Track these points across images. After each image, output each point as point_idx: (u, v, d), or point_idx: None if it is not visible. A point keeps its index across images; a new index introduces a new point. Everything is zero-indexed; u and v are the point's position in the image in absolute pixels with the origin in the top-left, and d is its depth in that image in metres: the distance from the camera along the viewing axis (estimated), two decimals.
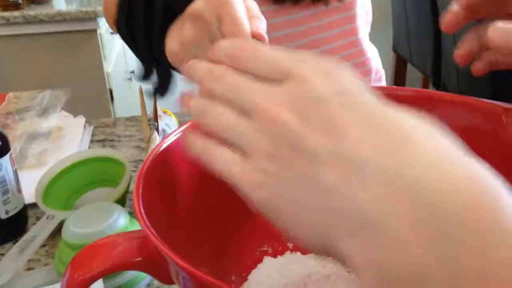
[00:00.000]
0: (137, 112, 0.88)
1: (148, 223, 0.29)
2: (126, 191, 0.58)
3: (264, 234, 0.44)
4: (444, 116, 0.39)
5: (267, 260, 0.44)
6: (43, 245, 0.54)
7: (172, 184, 0.37)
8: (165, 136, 0.40)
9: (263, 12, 0.41)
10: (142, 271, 0.31)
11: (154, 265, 0.31)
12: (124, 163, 0.58)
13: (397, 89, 0.41)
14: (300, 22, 0.72)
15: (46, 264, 0.54)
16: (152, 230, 0.28)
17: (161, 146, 0.36)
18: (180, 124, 0.83)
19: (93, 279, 0.30)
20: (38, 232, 0.52)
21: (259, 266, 0.43)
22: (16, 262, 0.50)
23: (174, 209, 0.36)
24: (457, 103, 0.39)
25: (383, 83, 0.85)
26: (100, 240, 0.32)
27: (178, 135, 0.38)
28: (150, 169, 0.34)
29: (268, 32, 0.40)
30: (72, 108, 0.85)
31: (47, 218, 0.53)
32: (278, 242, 0.45)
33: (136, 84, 1.01)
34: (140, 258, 0.31)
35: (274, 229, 0.44)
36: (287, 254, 0.44)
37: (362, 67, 0.78)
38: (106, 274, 0.31)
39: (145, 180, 0.33)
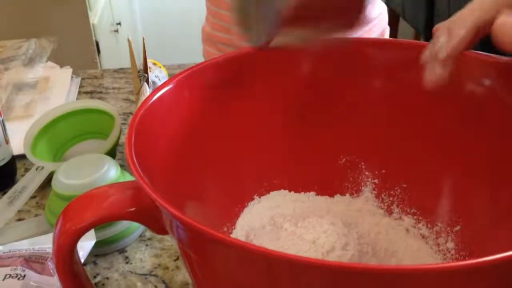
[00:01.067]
0: (124, 65, 0.86)
1: (141, 173, 0.28)
2: (116, 144, 0.57)
3: (256, 182, 0.44)
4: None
5: (254, 202, 0.44)
6: (33, 196, 0.54)
7: (164, 134, 0.37)
8: (156, 88, 0.39)
9: None
10: (135, 221, 0.31)
11: (147, 215, 0.30)
12: (114, 115, 0.58)
13: (388, 42, 0.41)
14: None
15: (36, 215, 0.54)
16: (146, 180, 0.28)
17: (153, 97, 0.36)
18: (170, 76, 0.82)
19: (85, 229, 0.30)
20: (27, 183, 0.51)
21: (246, 209, 0.44)
22: (6, 213, 0.49)
23: (166, 159, 0.36)
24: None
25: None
26: (92, 190, 0.32)
27: (170, 86, 0.37)
28: (142, 120, 0.34)
29: None
30: (58, 59, 0.83)
31: (37, 169, 0.53)
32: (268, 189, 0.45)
33: (123, 36, 0.97)
34: (133, 209, 0.31)
35: (264, 176, 0.44)
36: (273, 193, 0.45)
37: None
38: (98, 224, 0.30)
39: (137, 130, 0.33)
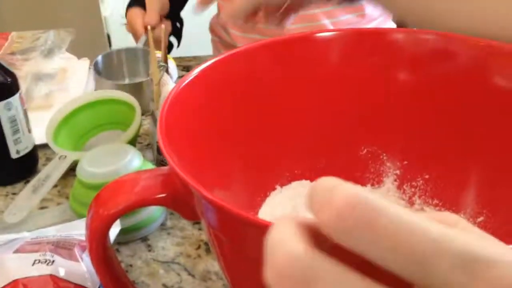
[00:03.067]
0: None
1: (174, 159, 0.29)
2: (137, 134, 0.58)
3: (278, 172, 0.45)
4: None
5: (276, 192, 0.45)
6: (55, 185, 0.54)
7: (192, 123, 0.37)
8: (183, 76, 0.39)
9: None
10: (166, 206, 0.32)
11: (178, 200, 0.31)
12: (134, 106, 0.58)
13: (419, 32, 0.41)
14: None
15: (58, 204, 0.54)
16: (177, 166, 0.28)
17: (182, 84, 0.36)
18: (179, 67, 0.83)
19: (118, 214, 0.31)
20: (50, 171, 0.52)
21: (268, 199, 0.44)
22: (29, 201, 0.50)
23: (194, 148, 0.37)
24: None
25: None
26: (123, 176, 0.32)
27: (197, 74, 0.38)
28: (171, 109, 0.34)
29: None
30: (71, 51, 0.83)
31: (59, 158, 0.53)
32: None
33: None
34: (164, 194, 0.31)
35: (286, 166, 0.45)
36: (294, 183, 0.45)
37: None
38: (131, 209, 0.31)
39: (167, 119, 0.33)
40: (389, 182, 0.45)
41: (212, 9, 0.97)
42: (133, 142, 0.58)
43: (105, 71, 0.73)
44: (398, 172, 0.45)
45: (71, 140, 0.60)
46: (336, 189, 0.15)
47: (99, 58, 0.73)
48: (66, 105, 0.59)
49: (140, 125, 0.58)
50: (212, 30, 0.98)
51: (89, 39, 1.62)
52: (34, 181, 0.51)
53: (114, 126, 0.62)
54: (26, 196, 0.50)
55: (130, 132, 0.55)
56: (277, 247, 0.15)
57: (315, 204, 0.16)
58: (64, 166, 0.52)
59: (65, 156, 0.53)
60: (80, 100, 0.60)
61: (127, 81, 0.76)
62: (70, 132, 0.60)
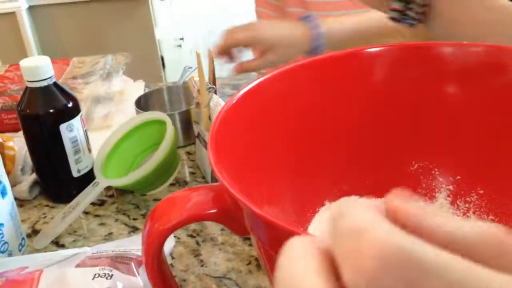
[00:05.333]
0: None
1: (225, 176, 0.30)
2: (173, 149, 0.58)
3: (327, 188, 0.45)
4: None
5: (325, 208, 0.45)
6: (112, 202, 0.57)
7: (241, 141, 0.38)
8: (231, 97, 0.41)
9: None
10: (216, 222, 0.33)
11: (228, 216, 0.32)
12: (165, 120, 0.59)
13: (468, 45, 0.40)
14: None
15: (116, 220, 0.57)
16: (227, 182, 0.29)
17: (230, 103, 0.37)
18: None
19: (172, 229, 0.32)
20: (82, 199, 0.54)
21: (317, 215, 0.44)
22: (57, 228, 0.53)
23: (244, 165, 0.37)
24: None
25: None
26: (175, 193, 0.34)
27: (246, 91, 0.39)
28: (220, 127, 0.35)
29: None
30: (127, 74, 0.87)
31: (93, 185, 0.56)
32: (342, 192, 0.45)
33: (186, 51, 1.02)
34: (215, 210, 0.32)
35: (335, 182, 0.45)
36: (343, 199, 0.45)
37: None
38: (184, 224, 0.32)
39: (217, 138, 0.34)
40: (442, 198, 0.44)
41: None
42: (173, 156, 0.59)
43: (148, 109, 0.74)
44: (451, 187, 0.44)
45: (123, 167, 0.62)
46: (366, 234, 0.12)
47: (141, 96, 0.74)
48: (109, 137, 0.61)
49: (175, 136, 0.59)
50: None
51: (144, 62, 1.69)
52: (66, 207, 0.54)
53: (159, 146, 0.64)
54: (56, 223, 0.52)
55: (163, 147, 0.56)
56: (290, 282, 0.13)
57: (339, 248, 0.13)
58: (95, 193, 0.54)
59: (98, 183, 0.55)
60: (122, 130, 0.62)
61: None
62: (121, 160, 0.62)
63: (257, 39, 0.70)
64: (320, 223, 0.45)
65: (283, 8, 0.84)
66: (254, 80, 0.40)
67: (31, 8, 1.68)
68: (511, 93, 0.39)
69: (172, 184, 0.62)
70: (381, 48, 0.43)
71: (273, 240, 0.29)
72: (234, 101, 0.38)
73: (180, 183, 0.64)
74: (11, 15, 1.64)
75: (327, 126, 0.43)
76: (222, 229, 0.53)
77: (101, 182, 0.55)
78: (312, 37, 0.70)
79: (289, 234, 0.26)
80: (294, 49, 0.71)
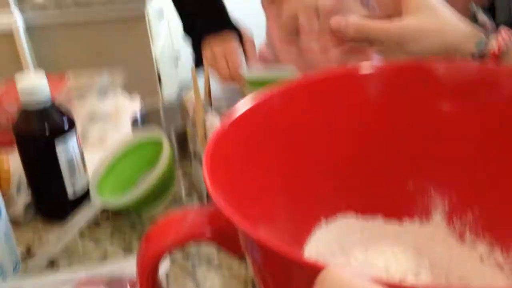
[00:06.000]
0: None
1: (219, 196, 0.30)
2: (171, 167, 0.58)
3: (323, 206, 0.45)
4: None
5: (322, 227, 0.44)
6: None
7: (236, 160, 0.38)
8: (226, 115, 0.41)
9: None
10: (212, 243, 0.32)
11: (224, 237, 0.32)
12: (161, 138, 0.59)
13: (462, 64, 0.41)
14: None
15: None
16: (223, 203, 0.29)
17: (226, 122, 0.37)
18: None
19: (166, 250, 0.32)
20: (78, 220, 0.54)
21: (313, 234, 0.44)
22: (52, 250, 0.52)
23: (239, 184, 0.37)
24: None
25: None
26: (171, 214, 0.34)
27: (242, 110, 0.39)
28: (216, 146, 0.35)
29: None
30: (124, 90, 0.87)
31: (89, 206, 0.55)
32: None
33: (182, 68, 1.03)
34: (210, 231, 0.32)
35: (331, 200, 0.45)
36: (340, 217, 0.45)
37: None
38: (178, 246, 0.32)
39: (212, 157, 0.34)
40: (438, 217, 0.44)
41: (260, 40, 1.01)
42: (171, 175, 0.59)
43: (144, 127, 0.74)
44: (447, 206, 0.44)
45: (118, 188, 0.62)
46: None
47: (137, 117, 0.74)
48: (105, 157, 0.60)
49: (172, 156, 0.59)
50: (263, 58, 1.00)
51: (140, 79, 1.69)
52: (61, 229, 0.53)
53: (155, 165, 0.63)
54: (51, 245, 0.52)
55: (158, 169, 0.56)
56: None
57: None
58: (91, 213, 0.54)
59: (94, 204, 0.55)
60: (117, 150, 0.61)
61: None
62: (116, 180, 0.61)
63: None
64: (317, 242, 0.45)
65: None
66: (250, 99, 0.40)
67: (29, 29, 1.68)
68: (506, 112, 0.39)
69: (167, 203, 0.62)
70: (375, 68, 0.43)
71: (269, 262, 0.29)
72: (229, 121, 0.38)
73: (176, 202, 0.64)
74: (9, 36, 1.64)
75: (322, 145, 0.43)
76: (218, 251, 0.52)
77: (97, 203, 0.55)
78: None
79: (285, 255, 0.26)
80: None
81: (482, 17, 0.52)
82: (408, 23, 0.51)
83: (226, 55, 0.84)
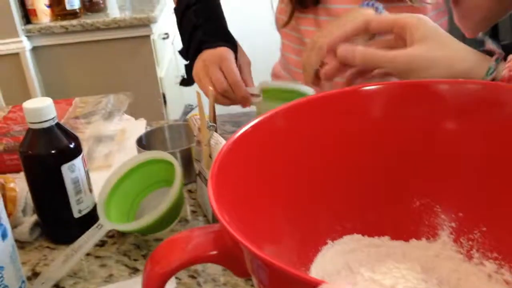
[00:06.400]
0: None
1: (224, 217, 0.30)
2: (180, 190, 0.58)
3: (329, 226, 0.45)
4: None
5: (328, 247, 0.44)
6: (113, 243, 0.56)
7: (241, 179, 0.38)
8: (231, 136, 0.41)
9: None
10: (217, 263, 0.32)
11: (229, 258, 0.32)
12: (173, 163, 0.59)
13: (465, 82, 0.41)
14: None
15: (117, 261, 0.56)
16: (228, 223, 0.29)
17: (230, 141, 0.37)
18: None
19: (172, 272, 0.32)
20: (85, 241, 0.54)
21: (319, 253, 0.44)
22: (59, 272, 0.52)
23: (244, 204, 0.37)
24: None
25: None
26: (175, 235, 0.34)
27: (246, 129, 0.39)
28: (221, 167, 0.36)
29: None
30: (129, 111, 0.88)
31: (97, 227, 0.55)
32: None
33: (187, 89, 1.04)
34: (215, 252, 0.32)
35: (337, 220, 0.44)
36: (346, 237, 0.45)
37: None
38: (184, 267, 0.32)
39: (217, 177, 0.34)
40: (444, 235, 0.44)
41: (272, 56, 1.01)
42: (181, 197, 0.59)
43: (149, 148, 0.74)
44: (453, 224, 0.43)
45: (124, 206, 0.62)
46: None
47: (142, 135, 0.74)
48: (110, 177, 0.61)
49: (182, 181, 0.59)
50: (275, 75, 1.00)
51: (146, 99, 1.71)
52: (67, 250, 0.53)
53: (160, 184, 0.64)
54: (57, 266, 0.52)
55: (174, 190, 0.56)
56: None
57: None
58: (98, 236, 0.54)
59: (101, 226, 0.55)
60: (123, 169, 0.61)
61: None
62: (121, 199, 0.61)
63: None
64: (324, 261, 0.44)
65: (301, 39, 0.86)
66: (254, 119, 0.41)
67: (34, 49, 1.71)
68: (509, 130, 0.39)
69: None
70: (380, 86, 0.43)
71: (275, 282, 0.29)
72: (234, 140, 0.38)
73: (181, 221, 0.63)
74: (15, 56, 1.67)
75: (327, 164, 0.43)
76: (224, 270, 0.52)
77: (105, 225, 0.55)
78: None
79: (290, 276, 0.26)
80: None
81: (490, 44, 0.51)
82: (416, 51, 0.51)
83: (221, 65, 0.76)
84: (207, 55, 0.78)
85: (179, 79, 2.17)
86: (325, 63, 0.60)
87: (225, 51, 0.78)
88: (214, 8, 0.85)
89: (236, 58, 0.80)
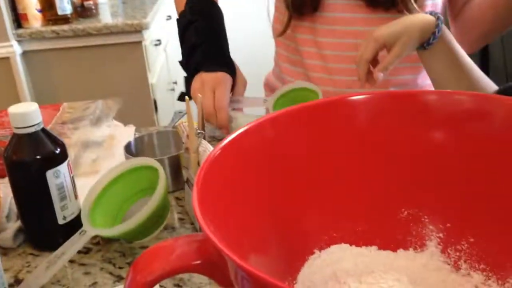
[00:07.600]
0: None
1: (208, 226, 0.29)
2: (165, 195, 0.58)
3: (316, 236, 0.44)
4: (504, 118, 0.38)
5: (315, 256, 0.44)
6: (98, 250, 0.55)
7: (227, 188, 0.38)
8: (217, 144, 0.41)
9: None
10: (201, 273, 0.32)
11: (213, 267, 0.31)
12: (157, 167, 0.58)
13: (453, 93, 0.41)
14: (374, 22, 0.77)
15: (102, 268, 0.55)
16: (212, 233, 0.29)
17: (216, 151, 0.37)
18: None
19: (155, 281, 0.31)
20: (68, 248, 0.53)
21: (306, 263, 0.43)
22: (41, 279, 0.51)
23: (230, 213, 0.37)
24: None
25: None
26: (159, 243, 0.33)
27: (232, 138, 0.39)
28: (207, 175, 0.35)
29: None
30: (119, 117, 0.87)
31: (80, 233, 0.54)
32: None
33: (178, 95, 1.03)
34: (199, 261, 0.31)
35: (324, 230, 0.44)
36: (333, 247, 0.44)
37: None
38: (166, 277, 0.31)
39: (202, 185, 0.34)
40: (432, 246, 0.44)
41: (255, 82, 1.02)
42: (165, 203, 0.58)
43: (137, 154, 0.74)
44: (441, 235, 0.43)
45: (110, 213, 0.60)
46: None
47: (131, 141, 0.73)
48: (97, 183, 0.59)
49: (166, 186, 0.58)
50: (267, 85, 1.00)
51: (136, 105, 1.70)
52: (50, 257, 0.52)
53: (147, 192, 0.62)
54: (40, 273, 0.51)
55: (156, 197, 0.55)
56: None
57: None
58: (81, 242, 0.53)
59: (85, 232, 0.54)
60: (109, 176, 0.60)
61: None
62: (107, 207, 0.60)
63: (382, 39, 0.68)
64: (310, 270, 0.44)
65: (297, 48, 0.86)
66: (242, 127, 0.40)
67: (25, 54, 1.69)
68: (497, 140, 0.39)
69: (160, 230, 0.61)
70: (368, 96, 0.43)
71: None
72: (220, 148, 0.38)
73: (168, 229, 0.63)
74: (5, 60, 1.65)
75: (314, 173, 0.43)
76: (210, 279, 0.51)
77: (89, 231, 0.54)
78: (434, 21, 0.68)
79: (273, 286, 0.25)
80: (418, 34, 0.68)
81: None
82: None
83: (215, 89, 0.81)
84: (206, 77, 0.83)
85: (170, 86, 2.16)
86: (377, 59, 0.69)
87: (223, 77, 0.82)
88: (215, 27, 0.87)
89: (234, 81, 0.85)
